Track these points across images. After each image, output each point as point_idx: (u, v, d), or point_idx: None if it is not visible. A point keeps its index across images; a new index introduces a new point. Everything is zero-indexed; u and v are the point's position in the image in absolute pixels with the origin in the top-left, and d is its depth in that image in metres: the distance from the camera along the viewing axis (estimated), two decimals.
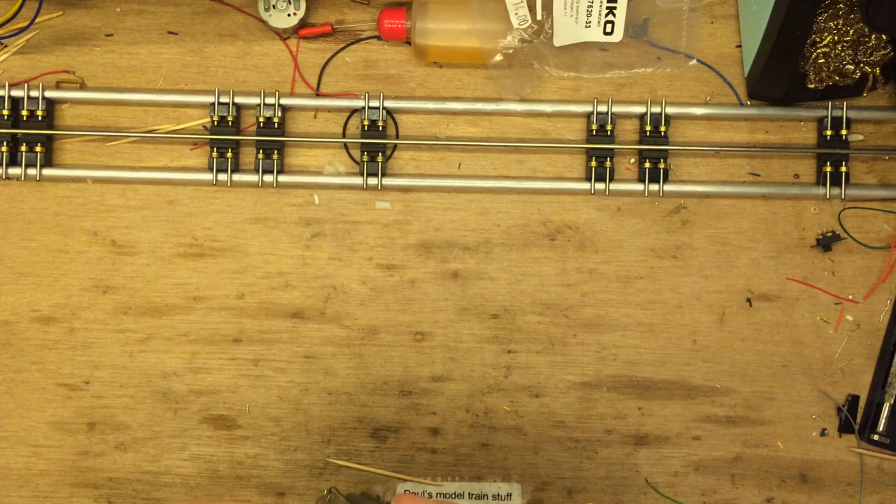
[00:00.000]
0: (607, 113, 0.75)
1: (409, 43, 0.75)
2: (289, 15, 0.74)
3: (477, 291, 0.75)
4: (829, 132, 0.74)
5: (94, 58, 0.76)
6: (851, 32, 0.70)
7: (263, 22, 0.74)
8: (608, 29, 0.72)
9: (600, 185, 0.74)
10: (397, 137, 0.76)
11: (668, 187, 0.75)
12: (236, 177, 0.74)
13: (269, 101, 0.74)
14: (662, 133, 0.75)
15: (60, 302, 0.75)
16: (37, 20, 0.73)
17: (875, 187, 0.75)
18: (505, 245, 0.75)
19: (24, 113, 0.74)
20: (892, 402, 0.74)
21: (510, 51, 0.73)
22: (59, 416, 0.74)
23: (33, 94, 0.74)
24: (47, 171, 0.74)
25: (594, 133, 0.75)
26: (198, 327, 0.75)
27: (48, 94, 0.74)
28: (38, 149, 0.74)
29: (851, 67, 0.71)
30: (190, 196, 0.75)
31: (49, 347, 0.75)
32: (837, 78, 0.72)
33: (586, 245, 0.75)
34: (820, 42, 0.70)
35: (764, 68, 0.72)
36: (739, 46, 0.76)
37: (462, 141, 0.76)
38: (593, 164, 0.74)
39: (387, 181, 0.74)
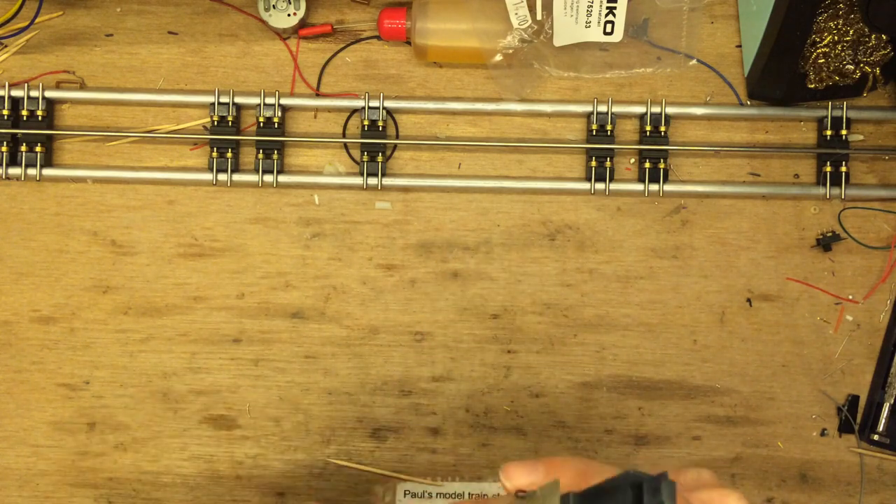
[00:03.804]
0: (607, 113, 0.75)
1: (409, 43, 0.75)
2: (289, 15, 0.74)
3: (477, 291, 0.75)
4: (829, 132, 0.74)
5: (94, 58, 0.76)
6: (851, 32, 0.70)
7: (263, 22, 0.74)
8: (608, 29, 0.72)
9: (600, 185, 0.74)
10: (397, 137, 0.76)
11: (668, 187, 0.75)
12: (236, 177, 0.74)
13: (269, 101, 0.74)
14: (662, 133, 0.75)
15: (60, 302, 0.75)
16: (37, 20, 0.73)
17: (875, 187, 0.75)
18: (505, 245, 0.75)
19: (24, 113, 0.74)
20: (892, 402, 0.74)
21: (510, 51, 0.73)
22: (59, 416, 0.74)
23: (33, 94, 0.74)
24: (47, 171, 0.74)
25: (594, 133, 0.75)
26: (198, 327, 0.75)
27: (48, 94, 0.74)
28: (38, 149, 0.74)
29: (851, 67, 0.71)
30: (190, 196, 0.75)
31: (49, 347, 0.75)
32: (837, 78, 0.72)
33: (586, 245, 0.75)
34: (820, 42, 0.70)
35: (764, 68, 0.72)
36: (739, 46, 0.76)
37: (462, 141, 0.76)
38: (593, 164, 0.74)
39: (387, 181, 0.74)
